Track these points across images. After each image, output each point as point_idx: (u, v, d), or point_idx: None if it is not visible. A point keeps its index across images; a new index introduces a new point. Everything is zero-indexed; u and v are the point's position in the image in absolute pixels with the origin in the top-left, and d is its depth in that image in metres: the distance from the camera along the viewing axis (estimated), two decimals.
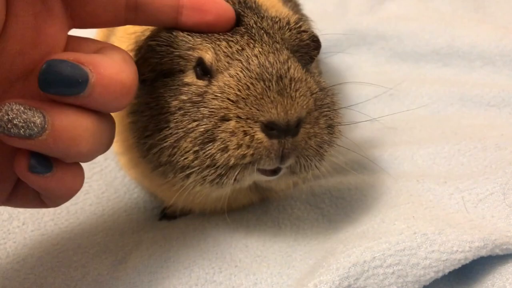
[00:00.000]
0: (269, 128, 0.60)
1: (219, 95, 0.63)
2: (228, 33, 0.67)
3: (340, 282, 0.62)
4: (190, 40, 0.67)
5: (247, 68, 0.63)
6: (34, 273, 0.72)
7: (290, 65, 0.64)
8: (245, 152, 0.61)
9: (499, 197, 0.74)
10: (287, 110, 0.60)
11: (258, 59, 0.63)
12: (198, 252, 0.74)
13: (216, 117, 0.63)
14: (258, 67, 0.63)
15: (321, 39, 0.81)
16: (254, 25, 0.68)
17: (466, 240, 0.66)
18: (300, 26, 0.73)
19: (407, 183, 0.80)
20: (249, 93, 0.61)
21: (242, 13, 0.70)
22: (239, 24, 0.68)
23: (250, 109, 0.61)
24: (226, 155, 0.62)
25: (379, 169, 0.88)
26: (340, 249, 0.67)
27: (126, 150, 0.80)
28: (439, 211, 0.73)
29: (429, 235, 0.67)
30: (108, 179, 0.96)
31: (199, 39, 0.67)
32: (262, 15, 0.71)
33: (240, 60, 0.64)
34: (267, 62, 0.63)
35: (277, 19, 0.71)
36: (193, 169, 0.65)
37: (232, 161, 0.62)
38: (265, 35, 0.67)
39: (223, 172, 0.63)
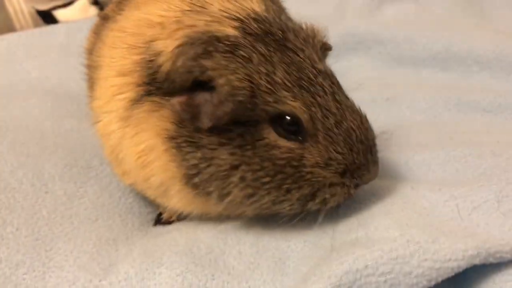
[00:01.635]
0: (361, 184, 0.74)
1: (323, 166, 0.71)
2: (303, 82, 0.69)
3: None
4: (270, 92, 0.68)
5: (349, 140, 0.71)
6: (26, 279, 0.72)
7: (369, 126, 0.76)
8: (340, 202, 0.74)
9: (494, 204, 0.74)
10: (377, 173, 0.76)
11: (354, 131, 0.71)
12: (191, 259, 0.73)
13: (323, 184, 0.71)
14: (357, 140, 0.72)
15: None
16: (313, 70, 0.71)
17: (459, 248, 0.66)
18: (326, 41, 0.80)
19: (402, 190, 0.80)
20: (354, 167, 0.72)
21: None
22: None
23: (355, 178, 0.72)
24: (322, 204, 0.73)
25: None
26: (333, 256, 0.67)
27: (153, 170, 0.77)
28: (433, 219, 0.73)
29: (422, 244, 0.66)
30: (104, 184, 0.96)
31: (286, 93, 0.69)
32: (302, 39, 0.74)
33: (340, 132, 0.71)
34: (360, 133, 0.72)
35: (314, 42, 0.76)
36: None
37: (327, 206, 0.74)
38: (330, 81, 0.73)
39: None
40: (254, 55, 0.68)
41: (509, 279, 0.68)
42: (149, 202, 0.96)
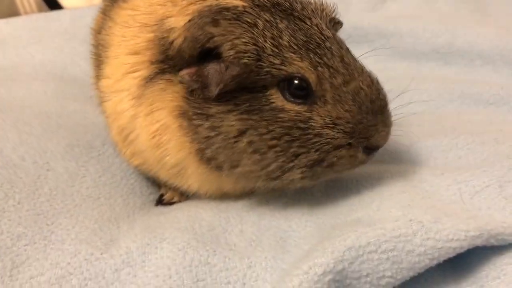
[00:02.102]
0: (371, 149, 0.73)
1: (331, 125, 0.70)
2: (310, 45, 0.70)
3: (334, 265, 0.62)
4: (277, 55, 0.69)
5: (358, 99, 0.70)
6: (27, 250, 0.72)
7: (380, 87, 0.74)
8: (349, 167, 0.73)
9: (496, 189, 0.74)
10: (388, 137, 0.73)
11: (363, 90, 0.70)
12: (193, 235, 0.73)
13: (330, 146, 0.70)
14: (367, 99, 0.70)
15: None
16: (321, 36, 0.71)
17: (461, 229, 0.66)
18: (335, 15, 0.81)
19: (404, 173, 0.80)
20: (362, 127, 0.70)
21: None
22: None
23: (363, 138, 0.71)
24: (329, 169, 0.72)
25: (375, 160, 0.88)
26: (336, 233, 0.67)
27: (166, 151, 0.77)
28: (436, 201, 0.73)
29: (425, 223, 0.66)
30: (106, 164, 0.96)
31: (292, 54, 0.69)
32: (311, 9, 0.75)
33: (348, 91, 0.70)
34: (372, 92, 0.71)
35: (323, 12, 0.77)
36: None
37: (333, 171, 0.73)
38: (338, 46, 0.72)
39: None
40: (259, 21, 0.69)
41: (510, 261, 0.68)
42: (151, 183, 0.96)
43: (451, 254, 0.66)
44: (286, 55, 0.69)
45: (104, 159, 0.97)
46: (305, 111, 0.70)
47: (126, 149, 0.85)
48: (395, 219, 0.68)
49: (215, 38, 0.67)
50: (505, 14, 1.38)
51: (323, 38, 0.71)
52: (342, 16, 1.42)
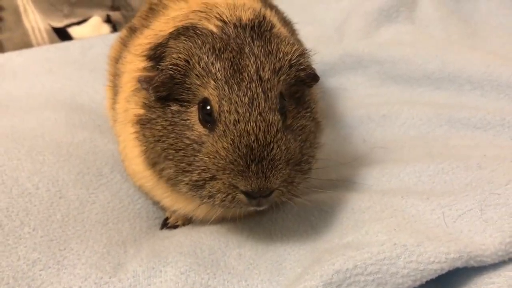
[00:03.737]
0: (247, 194, 0.73)
1: (211, 156, 0.73)
2: (233, 79, 0.73)
3: (323, 287, 0.67)
4: (201, 76, 0.75)
5: (237, 141, 0.72)
6: (42, 275, 0.78)
7: (275, 140, 0.73)
8: (228, 204, 0.74)
9: (477, 213, 0.80)
10: (260, 187, 0.72)
11: (249, 135, 0.72)
12: (195, 259, 0.79)
13: (206, 174, 0.74)
14: (246, 144, 0.72)
15: (319, 62, 0.89)
16: (255, 74, 0.74)
17: (442, 251, 0.72)
18: (300, 64, 0.80)
19: (392, 198, 0.85)
20: (233, 168, 0.72)
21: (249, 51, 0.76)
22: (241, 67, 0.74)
23: (233, 179, 0.72)
24: (212, 200, 0.75)
25: (367, 185, 0.94)
26: (325, 258, 0.72)
27: (132, 160, 0.87)
28: (420, 225, 0.79)
29: (408, 247, 0.72)
30: (114, 190, 1.02)
31: (212, 81, 0.74)
32: (268, 50, 0.77)
33: (233, 130, 0.72)
34: (255, 140, 0.72)
35: (280, 57, 0.77)
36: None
37: (217, 205, 0.75)
38: (262, 89, 0.74)
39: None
40: (207, 45, 0.76)
41: (489, 281, 0.73)
42: (156, 208, 1.02)
43: (433, 275, 0.71)
44: (206, 79, 0.74)
45: (112, 185, 1.03)
46: (205, 135, 0.75)
47: (128, 168, 0.94)
48: (381, 243, 0.73)
49: (166, 49, 0.78)
50: (496, 40, 1.43)
51: (252, 77, 0.74)
52: (338, 43, 1.50)
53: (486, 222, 0.78)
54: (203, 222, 0.91)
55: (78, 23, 1.65)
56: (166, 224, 0.98)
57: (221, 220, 0.89)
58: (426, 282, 0.72)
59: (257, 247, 0.82)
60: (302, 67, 0.79)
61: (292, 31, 1.13)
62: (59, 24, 1.63)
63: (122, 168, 1.04)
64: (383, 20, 1.50)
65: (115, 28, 1.66)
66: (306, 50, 0.83)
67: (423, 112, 1.17)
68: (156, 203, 0.97)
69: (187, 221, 0.97)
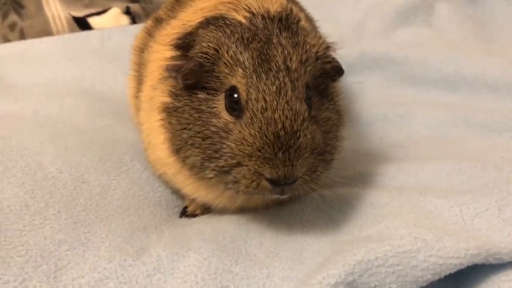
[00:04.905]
0: (273, 181, 0.74)
1: (238, 142, 0.74)
2: (261, 68, 0.75)
3: (345, 276, 0.69)
4: (229, 65, 0.76)
5: (265, 128, 0.73)
6: (68, 255, 0.79)
7: (302, 129, 0.74)
8: (252, 191, 0.75)
9: (495, 212, 0.81)
10: (287, 175, 0.73)
11: (276, 123, 0.73)
12: (216, 246, 0.81)
13: (233, 160, 0.75)
14: (273, 132, 0.72)
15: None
16: (282, 64, 0.75)
17: (462, 247, 0.73)
18: (327, 56, 0.82)
19: (411, 195, 0.87)
20: (259, 155, 0.73)
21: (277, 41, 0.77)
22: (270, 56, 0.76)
23: (259, 166, 0.73)
24: (237, 185, 0.76)
25: (385, 182, 0.96)
26: (347, 248, 0.74)
27: (156, 146, 0.88)
28: (439, 222, 0.80)
29: (428, 241, 0.73)
30: (134, 178, 1.03)
31: (240, 69, 0.76)
32: (295, 41, 0.78)
33: (261, 118, 0.73)
34: (282, 128, 0.73)
35: (307, 48, 0.79)
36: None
37: (241, 191, 0.76)
38: (289, 79, 0.75)
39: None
40: (236, 35, 0.77)
41: (506, 279, 0.75)
42: (175, 197, 1.04)
43: (452, 270, 0.73)
44: (235, 68, 0.76)
45: (133, 173, 1.05)
46: (231, 122, 0.76)
47: (149, 156, 0.95)
48: (401, 237, 0.75)
49: (195, 38, 0.79)
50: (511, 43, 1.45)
51: (280, 67, 0.75)
52: (356, 43, 1.51)
53: (504, 221, 0.79)
54: (222, 211, 0.93)
55: (98, 13, 1.67)
56: (185, 213, 0.99)
57: (240, 210, 0.91)
58: (445, 277, 0.74)
59: (278, 237, 0.84)
60: (328, 59, 0.82)
61: (314, 28, 1.15)
62: (79, 13, 1.64)
63: (142, 158, 1.06)
64: (400, 22, 1.51)
65: (134, 19, 1.67)
66: (331, 43, 0.85)
67: (439, 113, 1.19)
68: (176, 191, 0.99)
69: (206, 210, 0.99)
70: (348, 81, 1.42)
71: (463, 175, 0.93)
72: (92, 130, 1.15)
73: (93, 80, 1.39)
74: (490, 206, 0.82)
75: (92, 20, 1.65)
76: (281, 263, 0.78)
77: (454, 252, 0.72)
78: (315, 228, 0.85)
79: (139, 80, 1.02)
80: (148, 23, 1.13)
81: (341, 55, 1.43)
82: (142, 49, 1.07)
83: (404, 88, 1.34)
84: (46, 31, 1.56)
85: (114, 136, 1.15)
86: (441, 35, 1.48)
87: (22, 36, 1.55)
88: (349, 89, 1.39)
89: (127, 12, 1.69)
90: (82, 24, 1.62)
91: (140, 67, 1.04)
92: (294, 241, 0.83)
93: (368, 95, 1.35)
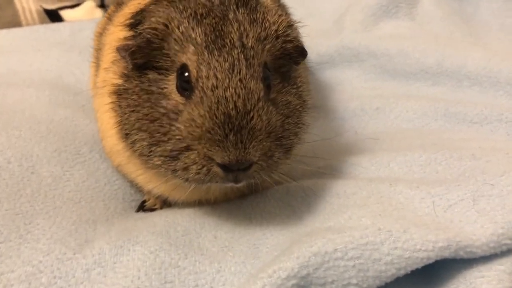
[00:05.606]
0: (223, 166, 0.68)
1: (187, 124, 0.68)
2: (214, 44, 0.69)
3: (299, 270, 0.62)
4: (180, 41, 0.71)
5: (215, 108, 0.67)
6: (0, 247, 0.73)
7: (256, 109, 0.68)
8: (203, 178, 0.69)
9: (469, 203, 0.75)
10: (238, 159, 0.67)
11: (227, 102, 0.66)
12: (166, 239, 0.74)
13: (182, 144, 0.69)
14: (223, 112, 0.66)
15: (315, 54, 0.84)
16: (237, 41, 0.70)
17: (430, 239, 0.67)
18: (288, 35, 0.76)
19: (380, 185, 0.81)
20: (209, 137, 0.67)
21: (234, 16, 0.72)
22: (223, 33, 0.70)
23: (209, 150, 0.67)
24: (186, 173, 0.69)
25: (355, 173, 0.89)
26: (304, 239, 0.67)
27: (106, 132, 0.82)
28: (408, 213, 0.74)
29: (393, 232, 0.67)
30: (91, 169, 0.97)
31: (191, 46, 0.70)
32: (253, 18, 0.73)
33: (211, 96, 0.67)
34: (234, 107, 0.66)
35: (266, 26, 0.74)
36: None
37: (191, 178, 0.69)
38: (244, 56, 0.69)
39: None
40: (189, 10, 0.72)
41: (479, 275, 0.68)
42: (134, 191, 0.97)
43: (419, 264, 0.66)
44: (186, 44, 0.70)
45: (90, 164, 0.98)
46: (182, 103, 0.70)
47: (104, 146, 0.89)
48: (365, 227, 0.68)
49: (144, 13, 0.75)
50: (496, 40, 1.39)
51: (235, 44, 0.69)
52: (335, 36, 1.46)
53: (478, 212, 0.73)
54: (182, 205, 0.87)
55: (71, 6, 1.62)
56: (143, 207, 0.93)
57: (199, 204, 0.85)
58: (412, 273, 0.67)
59: (234, 230, 0.78)
60: (289, 38, 0.76)
61: (282, 7, 1.09)
62: (51, 6, 1.59)
63: (102, 149, 0.99)
64: (382, 15, 1.46)
65: None
66: (294, 21, 0.79)
67: (418, 106, 1.13)
68: (132, 183, 0.93)
69: (166, 204, 0.92)
70: (326, 74, 1.37)
71: (439, 166, 0.86)
72: (51, 121, 1.09)
73: (60, 71, 1.32)
74: (465, 197, 0.76)
75: (64, 13, 1.60)
76: (234, 257, 0.71)
77: (421, 245, 0.66)
78: (275, 220, 0.78)
79: (98, 65, 0.96)
80: (111, 8, 1.07)
81: (320, 47, 1.39)
82: (101, 34, 1.01)
83: (383, 81, 1.28)
84: (15, 23, 1.51)
85: (75, 128, 1.08)
86: (424, 28, 1.42)
87: None
88: (326, 83, 1.33)
89: (102, 5, 1.63)
90: (53, 16, 1.57)
91: (98, 52, 0.99)
92: (252, 234, 0.76)
93: (346, 88, 1.29)
